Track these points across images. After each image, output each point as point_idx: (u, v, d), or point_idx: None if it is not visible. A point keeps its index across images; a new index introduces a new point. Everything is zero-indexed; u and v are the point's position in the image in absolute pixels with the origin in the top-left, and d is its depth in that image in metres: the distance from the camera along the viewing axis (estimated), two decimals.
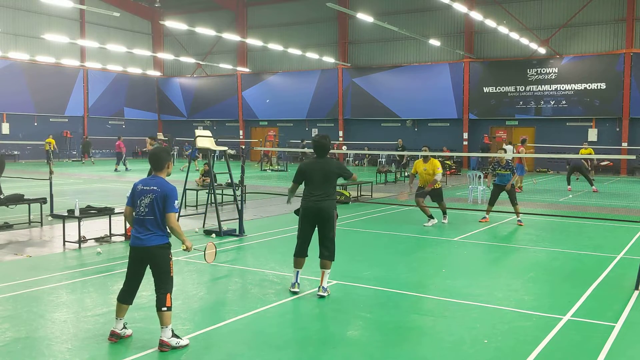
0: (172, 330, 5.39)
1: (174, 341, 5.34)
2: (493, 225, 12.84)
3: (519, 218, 12.89)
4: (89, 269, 8.42)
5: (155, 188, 5.44)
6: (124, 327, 5.63)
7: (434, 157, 13.00)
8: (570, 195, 19.11)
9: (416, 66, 35.89)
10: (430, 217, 12.62)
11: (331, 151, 7.84)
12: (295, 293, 7.12)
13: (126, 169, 30.48)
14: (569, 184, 20.63)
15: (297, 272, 7.20)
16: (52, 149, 13.72)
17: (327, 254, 7.07)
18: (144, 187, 5.48)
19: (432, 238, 11.35)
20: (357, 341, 5.75)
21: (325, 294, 7.01)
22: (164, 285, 5.49)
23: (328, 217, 7.03)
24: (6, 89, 36.68)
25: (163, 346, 5.29)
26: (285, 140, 39.44)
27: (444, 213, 13.00)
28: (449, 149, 34.14)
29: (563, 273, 8.58)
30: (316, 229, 7.15)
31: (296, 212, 7.29)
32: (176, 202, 5.47)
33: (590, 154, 22.02)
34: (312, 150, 7.51)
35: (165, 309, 5.37)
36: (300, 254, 7.19)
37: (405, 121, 36.68)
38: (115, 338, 5.53)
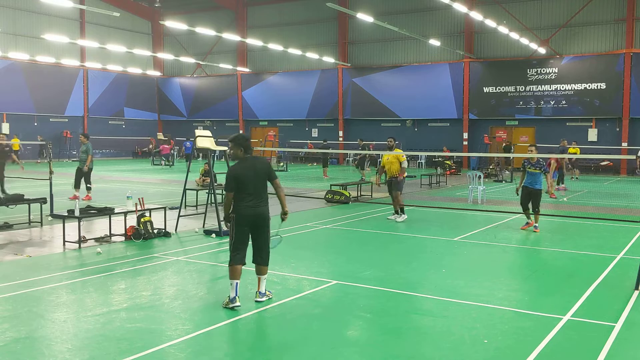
0: None
1: None
2: (493, 225, 12.83)
3: (537, 224, 12.00)
4: (89, 269, 8.42)
5: None
6: None
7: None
8: (569, 196, 19.10)
9: (416, 66, 35.89)
10: (401, 211, 13.30)
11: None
12: (234, 309, 6.45)
13: (166, 164, 33.71)
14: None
15: (236, 283, 6.53)
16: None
17: (262, 259, 6.76)
18: None
19: (432, 238, 11.35)
20: (357, 341, 5.75)
21: (264, 299, 6.76)
22: None
23: (264, 222, 6.69)
24: (6, 89, 36.67)
25: None
26: (285, 141, 39.45)
27: (401, 211, 13.28)
28: (449, 149, 34.15)
29: (563, 273, 8.57)
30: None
31: (227, 218, 6.69)
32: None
33: (575, 153, 22.37)
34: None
35: None
36: (239, 261, 6.60)
37: (405, 121, 36.68)
38: None
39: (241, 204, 6.57)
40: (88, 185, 16.47)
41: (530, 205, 11.98)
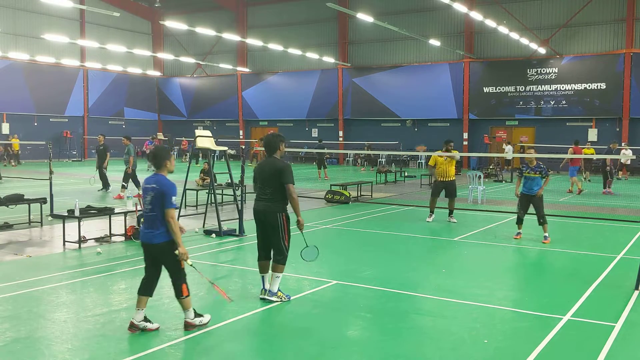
0: (195, 311, 5.91)
1: (197, 320, 5.88)
2: (493, 225, 12.83)
3: (546, 234, 10.80)
4: (89, 269, 8.42)
5: (154, 186, 5.74)
6: (145, 320, 5.80)
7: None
8: (568, 196, 19.11)
9: (416, 66, 35.88)
10: (450, 213, 13.20)
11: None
12: (262, 300, 6.81)
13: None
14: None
15: (262, 277, 6.93)
16: None
17: (278, 258, 6.70)
18: (146, 185, 5.83)
19: (432, 238, 11.35)
20: (357, 341, 5.75)
21: (270, 298, 6.75)
22: (176, 278, 5.82)
23: (271, 224, 6.66)
24: (6, 89, 36.67)
25: (188, 327, 5.83)
26: (285, 141, 39.40)
27: (451, 213, 13.26)
28: None
29: (563, 273, 8.58)
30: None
31: None
32: (174, 198, 5.71)
33: (592, 154, 22.13)
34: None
35: (183, 297, 5.81)
36: (259, 257, 6.91)
37: (405, 121, 36.68)
38: (134, 329, 5.75)
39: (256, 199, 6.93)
40: (123, 183, 17.29)
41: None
